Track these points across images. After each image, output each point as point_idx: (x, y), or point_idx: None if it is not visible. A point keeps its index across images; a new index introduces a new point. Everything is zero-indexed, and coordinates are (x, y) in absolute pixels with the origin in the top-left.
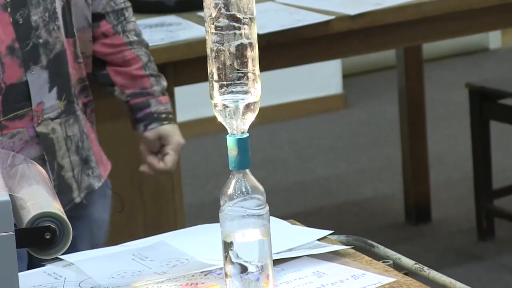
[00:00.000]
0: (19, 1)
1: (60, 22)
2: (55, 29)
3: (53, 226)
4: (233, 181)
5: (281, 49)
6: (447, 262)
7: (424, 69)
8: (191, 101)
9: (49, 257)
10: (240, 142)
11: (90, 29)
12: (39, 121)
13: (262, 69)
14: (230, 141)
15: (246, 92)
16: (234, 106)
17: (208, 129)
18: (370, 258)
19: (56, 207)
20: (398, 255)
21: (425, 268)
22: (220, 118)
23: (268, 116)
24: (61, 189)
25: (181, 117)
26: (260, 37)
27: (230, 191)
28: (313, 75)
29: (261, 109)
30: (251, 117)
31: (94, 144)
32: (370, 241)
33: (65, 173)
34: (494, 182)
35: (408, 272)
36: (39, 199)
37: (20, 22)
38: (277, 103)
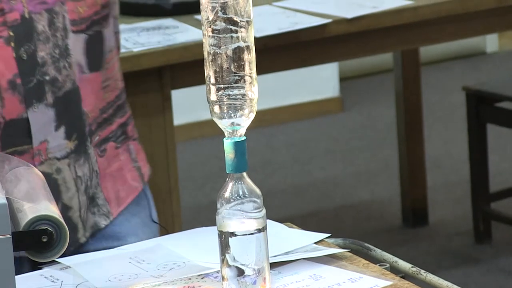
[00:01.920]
0: (24, 36)
1: (73, 59)
2: (66, 67)
3: (50, 229)
4: (230, 184)
5: (278, 52)
6: (444, 265)
7: (421, 72)
8: (188, 104)
9: (46, 260)
10: (237, 145)
11: (117, 48)
12: (42, 160)
13: (259, 72)
14: (227, 144)
15: (243, 95)
16: (231, 109)
17: (205, 132)
18: (367, 261)
19: (53, 210)
20: (395, 258)
21: (422, 271)
22: (217, 121)
23: (265, 119)
24: None
25: (178, 120)
26: (257, 40)
27: (227, 194)
28: (310, 78)
29: (258, 112)
30: (248, 120)
31: (107, 178)
32: (367, 244)
33: (73, 213)
34: (491, 185)
35: (405, 276)
36: (36, 202)
37: (24, 58)
38: (274, 106)
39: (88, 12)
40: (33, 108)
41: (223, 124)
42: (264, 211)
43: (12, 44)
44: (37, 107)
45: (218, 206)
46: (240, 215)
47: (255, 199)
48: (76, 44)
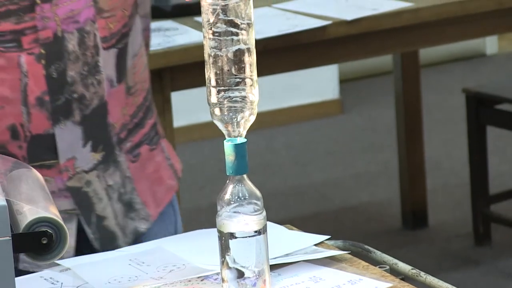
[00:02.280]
0: (55, 54)
1: (103, 76)
2: (94, 84)
3: (50, 231)
4: (230, 186)
5: (278, 54)
6: (444, 267)
7: (421, 74)
8: (188, 106)
9: (46, 262)
10: (238, 148)
11: (144, 46)
12: (70, 175)
13: (259, 74)
14: (228, 147)
15: (244, 98)
16: (232, 111)
17: (205, 134)
18: (367, 263)
19: (53, 212)
20: (395, 260)
21: (422, 273)
22: (217, 123)
23: (265, 121)
24: (104, 239)
25: (178, 122)
26: (257, 42)
27: (227, 196)
28: (310, 80)
29: (257, 114)
30: (248, 122)
31: (143, 182)
32: (366, 246)
33: (108, 222)
34: (490, 187)
35: (404, 277)
36: (36, 204)
37: (54, 76)
38: (274, 108)
39: (117, 26)
40: (60, 125)
41: (224, 127)
42: (264, 213)
43: (43, 61)
44: (64, 124)
45: (218, 208)
46: (240, 217)
47: (255, 201)
48: (108, 60)
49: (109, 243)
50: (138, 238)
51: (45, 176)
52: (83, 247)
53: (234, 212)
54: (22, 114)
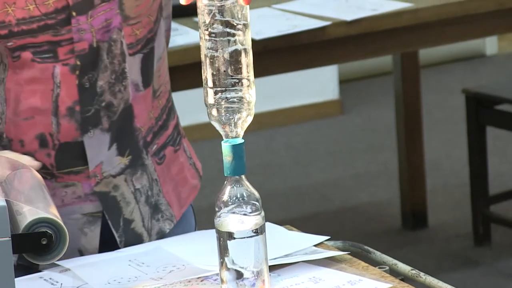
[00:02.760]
0: (89, 65)
1: (128, 81)
2: (121, 90)
3: (50, 232)
4: (228, 187)
5: (278, 55)
6: (444, 267)
7: (421, 75)
8: (187, 106)
9: (46, 263)
10: (235, 148)
11: (166, 49)
12: (98, 180)
13: (259, 75)
14: (225, 148)
15: (240, 98)
16: (229, 112)
17: (204, 135)
18: (367, 264)
19: (52, 212)
20: (395, 261)
21: (422, 274)
22: (214, 124)
23: (265, 122)
24: (130, 241)
25: None
26: (257, 42)
27: (225, 197)
28: (310, 80)
29: (257, 115)
30: (245, 123)
31: (169, 183)
32: (366, 247)
33: (135, 225)
34: (490, 188)
35: (404, 278)
36: (35, 204)
37: (87, 86)
38: (274, 108)
39: (143, 32)
40: (88, 134)
41: (221, 128)
42: (262, 213)
43: (77, 72)
44: (93, 132)
45: (217, 209)
46: (238, 218)
47: (253, 202)
48: (133, 65)
49: (134, 244)
50: (162, 238)
51: (72, 181)
52: (109, 248)
53: (232, 213)
54: (51, 124)
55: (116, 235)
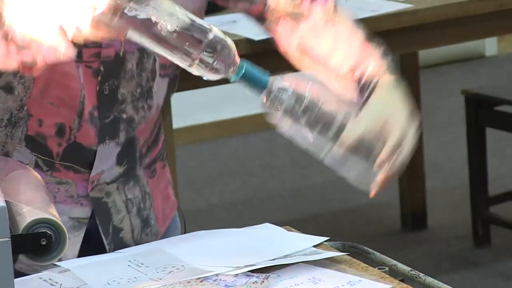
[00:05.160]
0: (112, 72)
1: (154, 101)
2: (145, 108)
3: (49, 232)
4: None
5: (277, 56)
6: (443, 269)
7: (420, 76)
8: (187, 107)
9: (45, 263)
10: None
11: None
12: (93, 186)
13: None
14: (242, 79)
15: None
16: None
17: (204, 136)
18: (366, 265)
19: (52, 213)
20: (394, 262)
21: (421, 274)
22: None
23: (264, 123)
24: (119, 249)
25: (177, 123)
26: (256, 43)
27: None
28: None
29: (257, 116)
30: (230, 52)
31: (158, 198)
32: (366, 248)
33: (124, 235)
34: (490, 189)
35: (404, 279)
36: (35, 205)
37: (106, 93)
38: None
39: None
40: (104, 144)
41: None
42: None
43: (99, 77)
44: (108, 144)
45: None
46: None
47: None
48: (161, 86)
49: None
50: None
51: (69, 178)
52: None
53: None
54: (74, 121)
55: (105, 242)
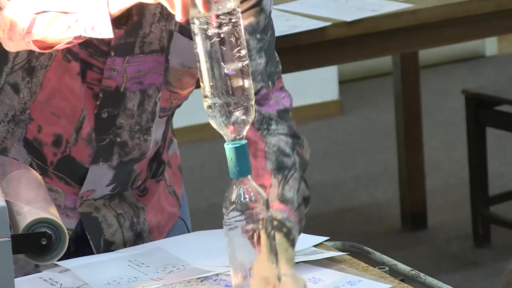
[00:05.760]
0: (111, 102)
1: (151, 138)
2: (141, 140)
3: (49, 232)
4: (235, 189)
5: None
6: (443, 268)
7: (420, 76)
8: (187, 107)
9: (45, 263)
10: (239, 150)
11: None
12: (82, 201)
13: None
14: (229, 150)
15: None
16: (230, 115)
17: (204, 135)
18: (366, 265)
19: (52, 213)
20: (394, 262)
21: (421, 274)
22: (216, 127)
23: None
24: None
25: (177, 123)
26: None
27: (233, 198)
28: (310, 81)
29: None
30: (247, 124)
31: (151, 211)
32: (366, 248)
33: (116, 248)
34: (490, 189)
35: (404, 279)
36: (35, 205)
37: (104, 117)
38: None
39: (178, 103)
40: (97, 165)
41: (222, 131)
42: (269, 213)
43: (98, 102)
44: (101, 165)
45: (224, 210)
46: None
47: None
48: (159, 126)
49: None
50: None
51: (60, 188)
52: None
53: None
54: (71, 136)
55: (95, 253)
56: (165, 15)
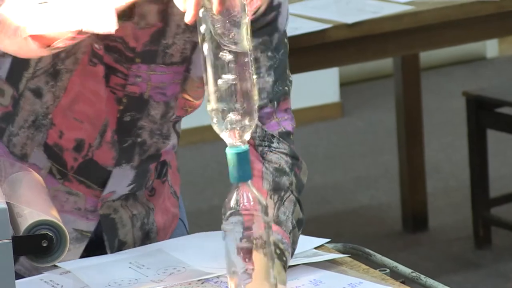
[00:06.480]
0: (134, 107)
1: (170, 142)
2: (160, 142)
3: (50, 234)
4: (235, 193)
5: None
6: (444, 270)
7: (421, 78)
8: None
9: (46, 265)
10: (240, 156)
11: None
12: (102, 203)
13: None
14: (230, 155)
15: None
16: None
17: (205, 137)
18: (367, 267)
19: (53, 215)
20: (395, 264)
21: (422, 276)
22: (218, 131)
23: None
24: None
25: None
26: None
27: (232, 203)
28: (310, 83)
29: None
30: (250, 129)
31: (159, 212)
32: (367, 250)
33: (126, 248)
34: (491, 191)
35: (405, 281)
36: (36, 207)
37: (126, 120)
38: None
39: (192, 111)
40: (120, 167)
41: (225, 135)
42: (267, 219)
43: (121, 107)
44: (123, 167)
45: (223, 216)
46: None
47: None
48: (175, 130)
49: None
50: None
51: (81, 191)
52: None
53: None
54: (95, 139)
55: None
56: (190, 27)
